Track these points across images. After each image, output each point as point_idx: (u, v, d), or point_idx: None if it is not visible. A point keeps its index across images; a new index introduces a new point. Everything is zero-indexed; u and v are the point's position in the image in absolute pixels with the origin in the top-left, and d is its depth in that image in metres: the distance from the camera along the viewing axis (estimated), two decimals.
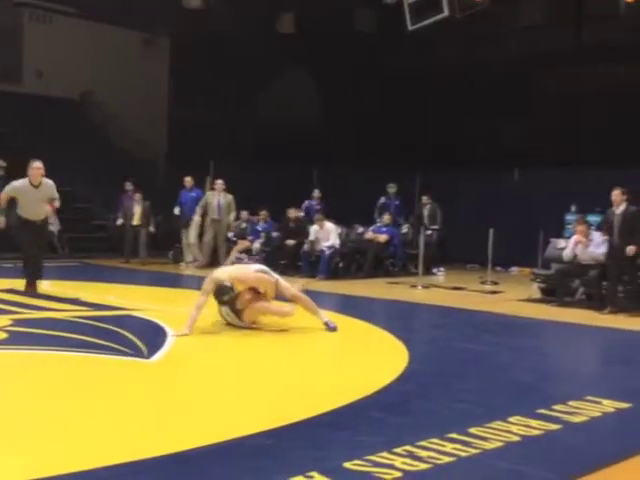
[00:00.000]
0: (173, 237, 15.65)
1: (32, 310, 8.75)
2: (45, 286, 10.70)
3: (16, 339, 6.97)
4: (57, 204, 10.35)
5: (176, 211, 15.17)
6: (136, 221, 15.39)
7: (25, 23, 20.76)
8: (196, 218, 14.86)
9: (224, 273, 8.00)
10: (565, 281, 10.88)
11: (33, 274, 10.25)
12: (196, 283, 13.05)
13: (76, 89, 21.01)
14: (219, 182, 14.94)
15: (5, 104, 19.17)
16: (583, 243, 10.63)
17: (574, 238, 10.88)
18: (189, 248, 15.19)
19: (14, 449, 4.06)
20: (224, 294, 7.78)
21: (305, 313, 8.19)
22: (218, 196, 14.83)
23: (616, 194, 10.12)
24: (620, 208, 10.10)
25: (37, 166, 10.05)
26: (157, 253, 15.83)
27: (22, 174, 10.34)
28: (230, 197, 14.87)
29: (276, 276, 8.26)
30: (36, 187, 10.02)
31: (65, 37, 20.29)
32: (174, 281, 13.33)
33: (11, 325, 7.61)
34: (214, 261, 14.06)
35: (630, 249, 9.81)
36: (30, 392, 5.30)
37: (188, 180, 15.35)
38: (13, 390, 5.36)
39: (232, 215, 14.95)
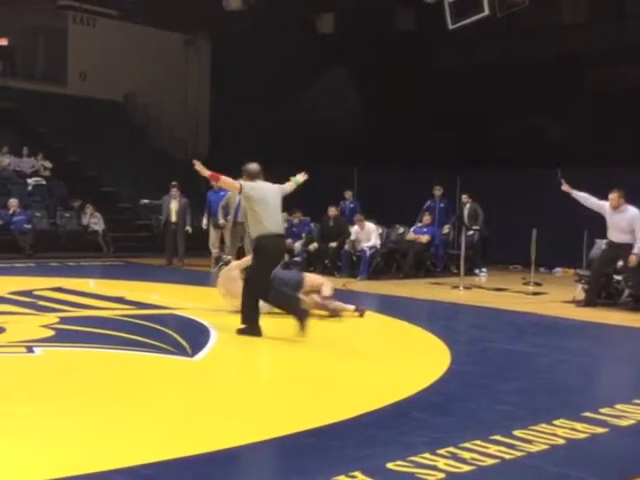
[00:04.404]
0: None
1: (78, 308, 8.89)
2: (90, 285, 10.85)
3: (62, 337, 7.10)
4: None
5: (204, 220, 14.42)
6: (173, 218, 15.08)
7: (69, 26, 21.12)
8: (220, 221, 13.77)
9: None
10: (610, 283, 10.70)
11: None
12: None
13: (119, 91, 21.30)
14: None
15: (50, 105, 19.55)
16: None
17: None
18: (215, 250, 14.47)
19: (59, 445, 4.12)
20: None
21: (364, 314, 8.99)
22: (239, 196, 13.83)
23: None
24: None
25: None
26: (199, 253, 15.55)
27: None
28: None
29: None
30: None
31: (108, 39, 20.57)
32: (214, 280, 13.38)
33: (57, 323, 7.76)
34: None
35: None
36: (75, 389, 5.37)
37: None
38: (58, 387, 5.44)
39: None
